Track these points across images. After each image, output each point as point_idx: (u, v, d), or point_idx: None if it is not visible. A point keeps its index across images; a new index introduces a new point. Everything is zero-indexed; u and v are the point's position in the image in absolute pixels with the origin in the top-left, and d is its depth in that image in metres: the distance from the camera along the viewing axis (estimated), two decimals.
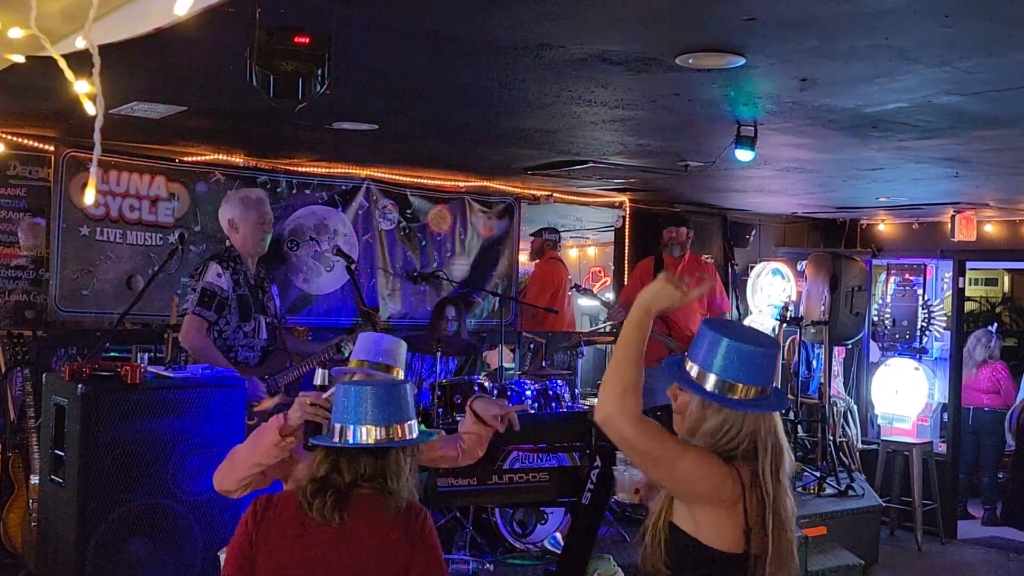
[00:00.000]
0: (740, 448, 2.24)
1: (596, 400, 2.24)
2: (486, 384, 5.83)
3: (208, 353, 4.26)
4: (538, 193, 7.82)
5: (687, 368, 2.31)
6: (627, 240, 8.41)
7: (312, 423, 2.69)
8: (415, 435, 2.45)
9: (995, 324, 8.97)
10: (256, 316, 4.51)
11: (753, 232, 8.90)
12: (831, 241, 9.51)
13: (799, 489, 6.92)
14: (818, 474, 7.16)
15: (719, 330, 2.28)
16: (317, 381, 2.89)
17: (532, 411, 5.71)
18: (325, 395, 2.75)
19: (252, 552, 2.36)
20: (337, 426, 2.41)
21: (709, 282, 6.88)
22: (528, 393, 5.77)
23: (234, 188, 5.94)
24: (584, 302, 10.75)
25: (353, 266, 5.46)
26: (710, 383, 2.24)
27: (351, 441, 2.38)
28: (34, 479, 4.91)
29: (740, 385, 2.23)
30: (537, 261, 8.14)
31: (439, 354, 5.77)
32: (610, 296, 8.54)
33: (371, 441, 2.38)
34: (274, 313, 4.67)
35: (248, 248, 4.56)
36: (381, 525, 2.36)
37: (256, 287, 4.57)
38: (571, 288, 8.12)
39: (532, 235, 8.15)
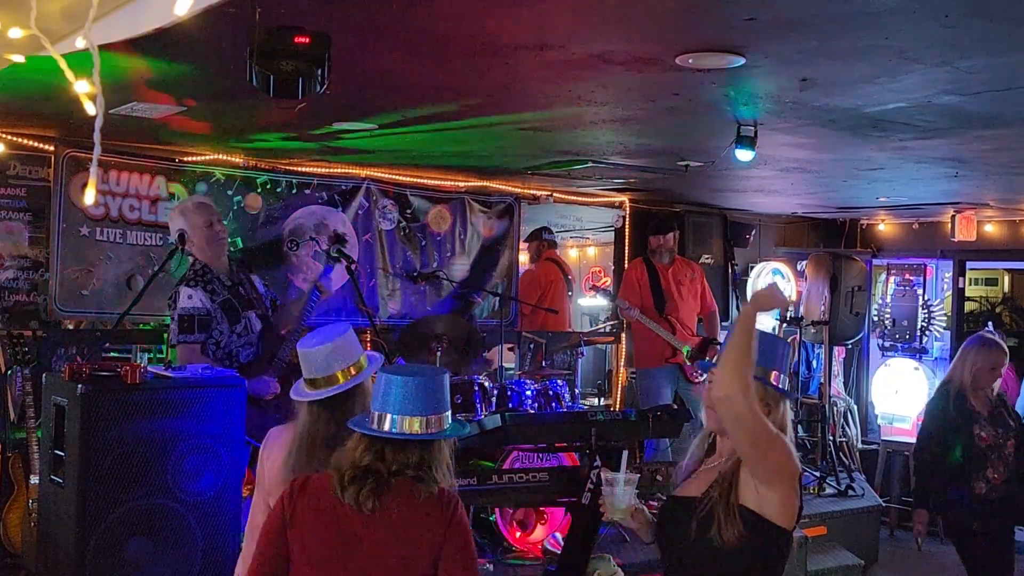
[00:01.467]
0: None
1: (718, 378, 2.44)
2: (486, 384, 5.82)
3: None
4: (538, 193, 7.82)
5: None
6: (627, 240, 8.41)
7: None
8: (447, 426, 2.46)
9: (990, 323, 8.95)
10: (244, 314, 4.52)
11: (753, 232, 8.90)
12: (831, 241, 9.51)
13: None
14: (818, 474, 7.16)
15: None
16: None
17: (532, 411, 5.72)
18: None
19: (284, 531, 2.39)
20: (376, 414, 2.41)
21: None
22: (528, 393, 5.77)
23: (192, 195, 6.00)
24: (584, 302, 10.76)
25: (353, 266, 5.46)
26: (772, 377, 2.58)
27: (392, 431, 2.38)
28: (34, 479, 4.91)
29: (780, 374, 2.60)
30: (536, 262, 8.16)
31: (439, 354, 5.77)
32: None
33: (412, 431, 2.39)
34: (261, 303, 4.68)
35: (209, 254, 4.52)
36: (414, 509, 2.38)
37: (235, 287, 4.56)
38: (570, 291, 8.14)
39: (527, 240, 8.13)
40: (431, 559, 2.39)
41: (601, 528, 3.98)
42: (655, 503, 4.55)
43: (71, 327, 5.88)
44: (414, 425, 2.40)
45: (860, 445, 8.46)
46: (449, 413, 2.48)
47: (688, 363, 6.73)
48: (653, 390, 6.86)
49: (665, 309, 6.89)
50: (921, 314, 8.54)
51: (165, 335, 5.72)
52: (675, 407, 5.15)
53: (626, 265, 8.40)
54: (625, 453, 2.75)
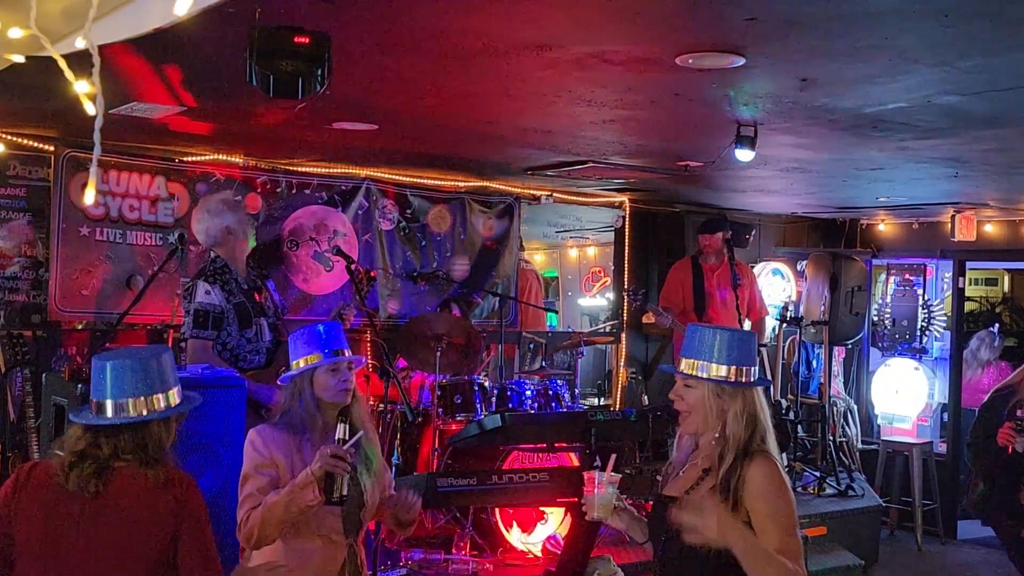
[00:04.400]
0: (757, 430, 2.50)
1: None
2: (486, 384, 5.83)
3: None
4: (538, 193, 7.82)
5: (683, 368, 2.56)
6: (627, 240, 8.41)
7: (329, 475, 2.82)
8: (178, 402, 2.48)
9: (996, 324, 8.98)
10: (256, 320, 4.48)
11: (753, 232, 8.90)
12: (831, 241, 9.51)
13: (799, 489, 6.92)
14: (818, 474, 7.16)
15: (708, 326, 2.60)
16: (338, 435, 2.95)
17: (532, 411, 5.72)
18: (346, 446, 2.87)
19: (10, 519, 2.40)
20: (95, 401, 2.44)
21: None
22: (528, 393, 5.77)
23: (215, 193, 5.94)
24: (584, 302, 10.77)
25: (353, 266, 5.46)
26: (723, 372, 2.51)
27: (109, 416, 2.40)
28: None
29: (745, 368, 2.51)
30: None
31: (439, 354, 5.76)
32: (611, 296, 8.54)
33: (133, 414, 2.41)
34: (274, 311, 4.66)
35: (242, 252, 4.52)
36: (144, 496, 2.41)
37: (251, 290, 4.54)
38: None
39: None
40: (162, 546, 2.41)
41: (601, 528, 3.98)
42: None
43: (71, 327, 5.88)
44: (132, 407, 2.41)
45: (860, 445, 8.46)
46: (178, 389, 2.49)
47: None
48: None
49: (705, 313, 6.73)
50: (921, 314, 8.54)
51: (165, 335, 5.73)
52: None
53: (626, 265, 8.40)
54: (613, 456, 2.75)
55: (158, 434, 2.48)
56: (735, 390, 2.50)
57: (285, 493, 2.88)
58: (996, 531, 5.00)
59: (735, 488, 2.44)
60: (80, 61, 1.62)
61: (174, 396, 2.49)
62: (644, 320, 6.59)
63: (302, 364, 3.13)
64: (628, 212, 8.38)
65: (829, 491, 6.99)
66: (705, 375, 2.52)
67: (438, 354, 5.75)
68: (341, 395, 3.13)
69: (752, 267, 9.00)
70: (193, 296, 4.37)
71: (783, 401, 7.40)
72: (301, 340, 3.18)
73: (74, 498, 2.37)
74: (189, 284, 4.50)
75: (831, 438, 7.55)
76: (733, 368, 2.50)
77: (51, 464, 2.45)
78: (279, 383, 3.25)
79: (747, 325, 6.83)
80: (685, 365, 2.56)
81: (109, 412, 2.41)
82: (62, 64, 1.60)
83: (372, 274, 5.38)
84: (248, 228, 4.57)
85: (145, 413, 2.43)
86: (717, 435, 2.53)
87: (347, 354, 3.18)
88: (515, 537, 5.27)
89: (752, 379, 2.53)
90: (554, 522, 5.33)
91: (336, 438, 2.95)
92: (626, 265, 8.41)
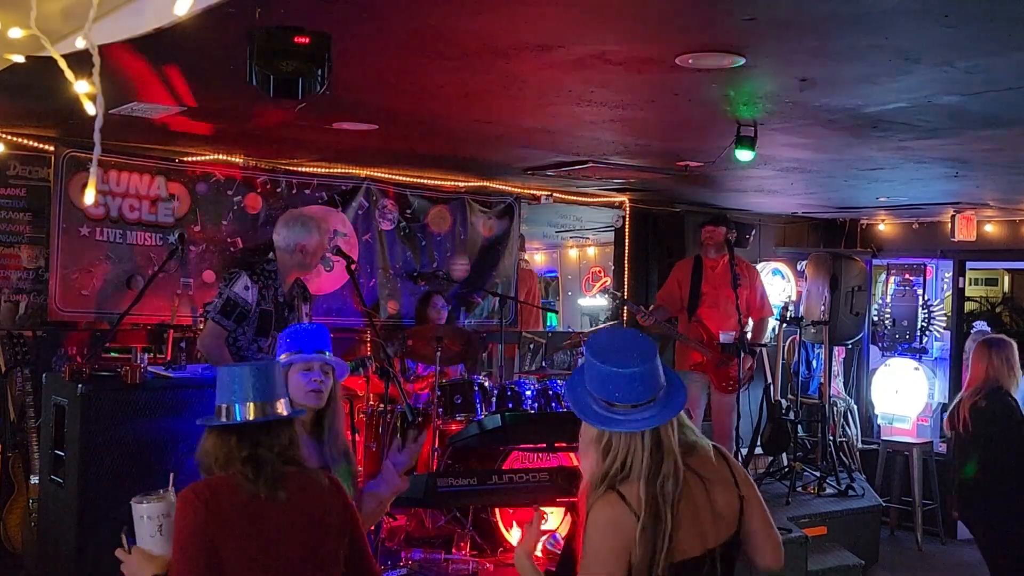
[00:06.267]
0: (610, 468, 2.23)
1: None
2: (486, 384, 5.83)
3: (219, 358, 4.26)
4: (538, 193, 7.82)
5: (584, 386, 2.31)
6: (627, 240, 8.41)
7: None
8: (286, 411, 2.49)
9: (982, 322, 8.93)
10: (275, 334, 4.46)
11: (753, 232, 8.90)
12: (831, 241, 9.51)
13: (799, 489, 6.92)
14: (818, 474, 7.16)
15: (595, 353, 2.27)
16: None
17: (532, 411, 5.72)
18: None
19: (212, 540, 2.30)
20: (223, 406, 2.42)
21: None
22: (528, 393, 5.77)
23: (290, 207, 5.98)
24: (584, 302, 10.77)
25: (353, 266, 5.46)
26: (592, 401, 2.26)
27: (237, 419, 2.40)
28: (34, 479, 4.92)
29: (607, 402, 2.23)
30: None
31: (439, 354, 5.77)
32: (618, 292, 8.54)
33: (281, 413, 2.43)
34: None
35: (291, 267, 4.52)
36: (323, 500, 2.46)
37: (284, 305, 4.54)
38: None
39: None
40: (343, 547, 2.47)
41: None
42: None
43: (71, 327, 5.88)
44: (254, 411, 2.41)
45: (860, 445, 8.46)
46: (285, 400, 2.50)
47: (717, 367, 6.57)
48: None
49: (697, 310, 6.70)
50: (921, 314, 8.54)
51: (165, 335, 5.73)
52: None
53: (626, 265, 8.40)
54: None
55: (295, 437, 2.49)
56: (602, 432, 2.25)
57: None
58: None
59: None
60: (80, 61, 1.62)
61: (287, 405, 2.52)
62: (639, 320, 6.58)
63: (283, 359, 3.14)
64: (628, 212, 8.38)
65: (829, 491, 6.99)
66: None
67: (438, 354, 5.75)
68: (311, 396, 3.06)
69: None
70: (232, 284, 4.37)
71: (783, 401, 7.39)
72: (289, 336, 3.18)
73: (271, 508, 2.36)
74: (235, 270, 4.49)
75: (831, 438, 7.54)
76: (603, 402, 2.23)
77: (226, 479, 2.38)
78: None
79: (749, 325, 6.81)
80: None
81: (252, 414, 2.41)
82: (62, 64, 1.60)
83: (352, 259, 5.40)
84: (320, 251, 4.56)
85: (285, 413, 2.45)
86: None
87: (328, 356, 3.16)
88: (515, 537, 5.27)
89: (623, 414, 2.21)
90: (554, 522, 5.33)
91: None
92: (626, 265, 8.41)
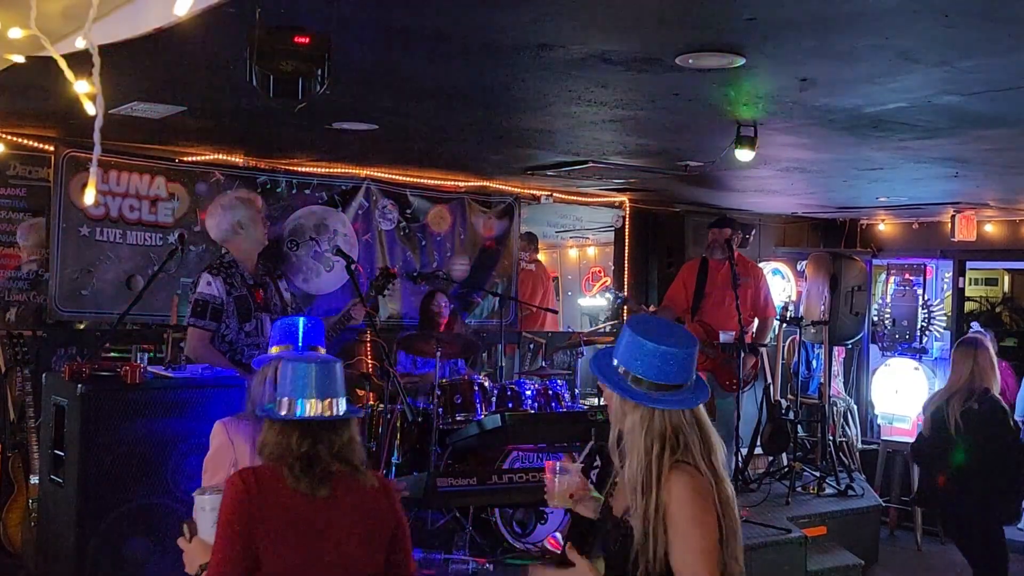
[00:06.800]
0: (676, 447, 2.28)
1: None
2: (486, 384, 5.82)
3: (213, 361, 4.27)
4: (538, 193, 7.82)
5: (614, 364, 2.38)
6: (627, 240, 8.41)
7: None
8: (344, 410, 2.50)
9: (976, 323, 8.93)
10: (257, 315, 4.49)
11: (753, 232, 8.90)
12: (831, 241, 9.51)
13: (799, 489, 6.92)
14: (818, 474, 7.15)
15: (639, 331, 2.34)
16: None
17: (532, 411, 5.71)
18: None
19: (251, 527, 2.33)
20: (285, 400, 2.44)
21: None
22: (528, 393, 5.76)
23: (229, 190, 5.91)
24: (584, 302, 10.77)
25: (353, 266, 5.46)
26: (629, 380, 2.32)
27: (299, 414, 2.42)
28: (34, 479, 4.91)
29: (651, 382, 2.29)
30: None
31: (439, 355, 5.76)
32: (611, 296, 8.54)
33: (315, 413, 2.43)
34: (281, 308, 4.66)
35: (244, 250, 4.53)
36: (366, 500, 2.46)
37: (257, 285, 4.56)
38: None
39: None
40: (384, 548, 2.47)
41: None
42: None
43: (71, 327, 5.88)
44: (319, 407, 2.43)
45: (860, 445, 8.46)
46: (344, 398, 2.52)
47: (722, 365, 6.55)
48: None
49: (700, 310, 6.67)
50: (921, 314, 8.54)
51: (164, 335, 5.73)
52: None
53: (626, 265, 8.40)
54: (589, 445, 2.71)
55: (347, 435, 2.50)
56: (635, 404, 2.31)
57: None
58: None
59: (660, 514, 2.23)
60: (80, 61, 1.62)
61: (343, 403, 2.53)
62: None
63: (274, 352, 3.13)
64: (628, 212, 8.38)
65: (829, 491, 6.99)
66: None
67: (438, 354, 5.75)
68: None
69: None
70: (196, 286, 4.44)
71: (783, 401, 7.39)
72: (282, 329, 3.19)
73: (312, 505, 2.38)
74: (195, 276, 4.57)
75: (831, 438, 7.54)
76: (637, 379, 2.30)
77: (273, 470, 2.41)
78: (252, 366, 3.22)
79: (753, 325, 6.82)
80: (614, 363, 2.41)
81: (314, 410, 2.43)
82: (62, 64, 1.60)
83: (392, 271, 5.37)
84: (259, 225, 4.58)
85: (343, 412, 2.47)
86: (615, 441, 2.41)
87: (321, 352, 3.16)
88: (515, 537, 5.26)
89: (657, 393, 2.28)
90: (554, 522, 5.32)
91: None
92: (626, 265, 8.41)
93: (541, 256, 9.26)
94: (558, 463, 2.74)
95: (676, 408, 2.30)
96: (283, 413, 2.44)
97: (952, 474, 5.03)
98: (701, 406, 2.36)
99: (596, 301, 10.47)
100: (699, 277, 6.75)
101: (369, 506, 2.47)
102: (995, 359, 5.11)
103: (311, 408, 2.43)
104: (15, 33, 1.69)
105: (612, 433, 2.43)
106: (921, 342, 8.55)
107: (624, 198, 8.27)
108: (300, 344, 3.13)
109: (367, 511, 2.46)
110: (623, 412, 2.35)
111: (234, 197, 4.65)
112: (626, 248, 8.42)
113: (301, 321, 3.21)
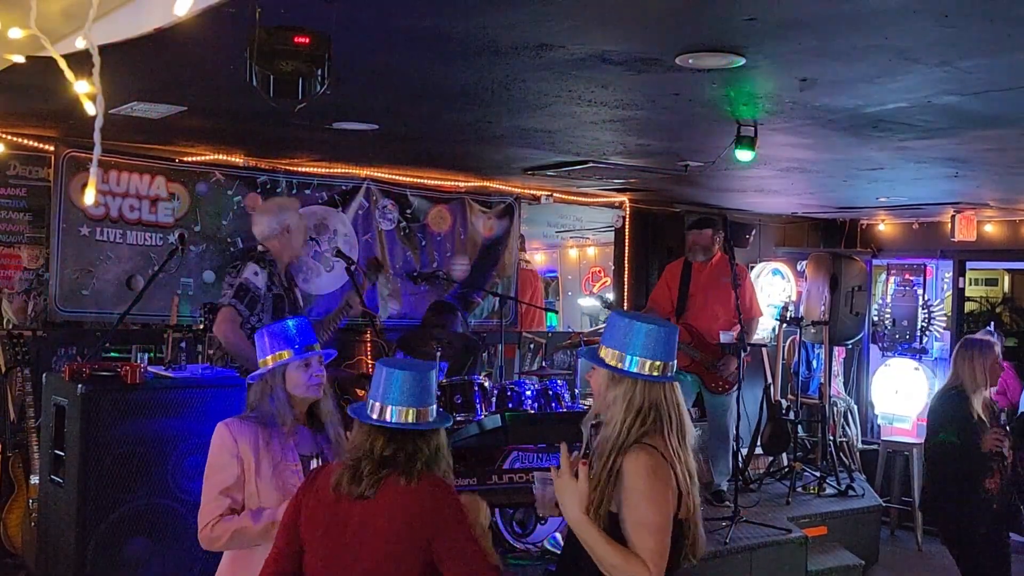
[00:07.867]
0: (648, 421, 2.45)
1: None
2: (486, 384, 5.82)
3: (241, 345, 4.25)
4: (538, 193, 7.82)
5: (600, 352, 2.55)
6: (627, 240, 8.41)
7: None
8: (434, 418, 2.53)
9: (992, 323, 8.96)
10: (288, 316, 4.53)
11: (753, 232, 8.90)
12: (831, 241, 9.51)
13: (799, 489, 6.92)
14: (818, 474, 7.16)
15: (624, 315, 2.57)
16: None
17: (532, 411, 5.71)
18: None
19: (298, 515, 2.49)
20: (376, 404, 2.47)
21: None
22: (528, 393, 5.76)
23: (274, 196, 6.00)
24: (584, 302, 10.77)
25: (353, 268, 5.46)
26: (611, 358, 2.50)
27: (389, 420, 2.46)
28: (34, 479, 4.91)
29: (639, 359, 2.47)
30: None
31: (439, 355, 5.76)
32: (610, 296, 8.54)
33: (405, 421, 2.47)
34: (299, 315, 4.69)
35: (294, 252, 4.68)
36: (405, 505, 2.41)
37: (288, 289, 4.64)
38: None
39: None
40: (421, 555, 2.41)
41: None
42: None
43: (71, 327, 5.88)
44: (405, 415, 2.46)
45: (860, 445, 8.46)
46: (435, 406, 2.55)
47: (707, 370, 6.53)
48: None
49: (685, 313, 6.60)
50: (921, 314, 8.54)
51: (165, 335, 5.72)
52: None
53: (626, 265, 8.40)
54: (563, 446, 2.69)
55: (435, 442, 2.52)
56: (622, 377, 2.48)
57: (265, 526, 2.85)
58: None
59: (613, 477, 2.41)
60: (80, 61, 1.62)
61: (433, 412, 2.56)
62: None
63: (271, 362, 3.08)
64: (628, 212, 8.38)
65: (829, 491, 6.99)
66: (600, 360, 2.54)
67: (438, 354, 5.75)
68: (314, 390, 3.10)
69: (751, 267, 9.01)
70: (241, 272, 4.45)
71: (783, 401, 7.39)
72: (271, 337, 3.14)
73: (349, 502, 2.42)
74: (237, 263, 4.60)
75: (831, 438, 7.54)
76: (617, 353, 2.48)
77: (336, 468, 2.50)
78: (248, 381, 3.21)
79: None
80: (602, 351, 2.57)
81: (404, 418, 2.46)
82: (62, 64, 1.60)
83: (378, 260, 5.41)
84: (302, 235, 4.72)
85: (416, 420, 2.49)
86: (601, 421, 2.55)
87: (318, 348, 3.18)
88: (515, 537, 5.26)
89: (634, 368, 2.45)
90: (554, 522, 5.32)
91: None
92: (626, 265, 8.41)
93: (540, 256, 9.27)
94: (536, 474, 2.79)
95: (658, 381, 2.47)
96: (373, 416, 2.47)
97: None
98: (679, 390, 2.54)
99: (596, 301, 10.48)
100: (682, 279, 6.69)
101: (413, 511, 2.42)
102: (997, 362, 5.06)
103: (402, 415, 2.46)
104: (15, 33, 1.69)
105: (591, 411, 2.62)
106: (921, 342, 8.56)
107: (624, 198, 8.27)
108: (298, 346, 3.12)
109: (411, 517, 2.41)
110: (607, 387, 2.52)
111: (292, 203, 4.78)
112: (626, 248, 8.42)
113: (292, 323, 3.19)
